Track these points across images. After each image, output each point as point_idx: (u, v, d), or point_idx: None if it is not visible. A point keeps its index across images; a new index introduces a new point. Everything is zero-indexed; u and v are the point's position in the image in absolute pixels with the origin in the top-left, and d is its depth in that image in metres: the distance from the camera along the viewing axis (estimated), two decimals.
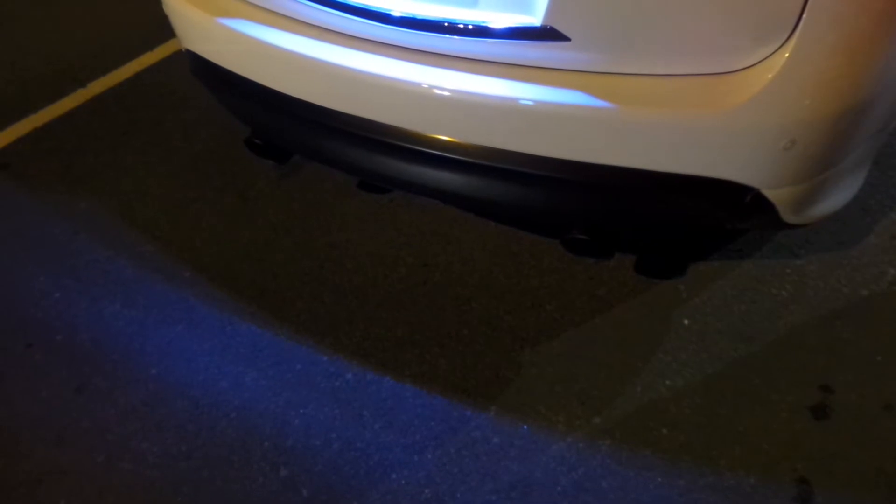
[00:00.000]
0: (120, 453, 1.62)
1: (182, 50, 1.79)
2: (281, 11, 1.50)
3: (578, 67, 1.25)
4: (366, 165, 1.57)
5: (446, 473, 1.52)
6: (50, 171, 2.42)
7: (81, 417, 1.69)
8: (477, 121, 1.34)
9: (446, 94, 1.32)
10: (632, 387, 1.63)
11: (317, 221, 2.12)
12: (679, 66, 1.19)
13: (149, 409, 1.69)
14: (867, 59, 1.12)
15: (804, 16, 1.07)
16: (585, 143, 1.28)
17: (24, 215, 2.26)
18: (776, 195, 1.29)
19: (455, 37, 1.31)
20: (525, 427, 1.58)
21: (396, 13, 1.34)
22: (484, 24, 1.27)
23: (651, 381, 1.63)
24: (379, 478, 1.52)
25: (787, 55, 1.10)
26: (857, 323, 1.69)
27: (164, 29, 1.97)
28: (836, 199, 1.45)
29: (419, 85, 1.34)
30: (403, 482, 1.51)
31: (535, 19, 1.22)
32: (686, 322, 1.74)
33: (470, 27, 1.28)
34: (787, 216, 1.36)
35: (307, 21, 1.47)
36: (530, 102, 1.26)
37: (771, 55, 1.12)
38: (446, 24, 1.30)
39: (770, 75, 1.12)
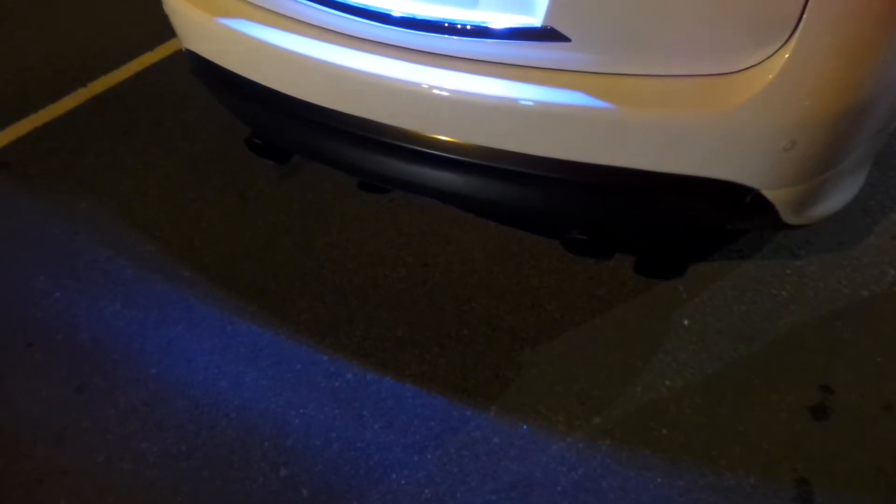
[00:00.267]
0: (120, 453, 1.62)
1: (182, 50, 1.79)
2: (281, 11, 1.50)
3: (578, 68, 1.25)
4: (366, 165, 1.57)
5: (446, 473, 1.52)
6: (50, 171, 2.42)
7: (81, 417, 1.69)
8: (477, 121, 1.34)
9: (446, 94, 1.32)
10: (632, 387, 1.63)
11: (317, 221, 2.12)
12: (679, 66, 1.19)
13: (149, 408, 1.69)
14: (867, 60, 1.12)
15: (804, 17, 1.07)
16: (585, 144, 1.28)
17: (24, 215, 2.26)
18: (776, 196, 1.30)
19: (455, 37, 1.31)
20: (525, 427, 1.58)
21: (396, 13, 1.34)
22: (484, 25, 1.27)
23: (651, 381, 1.63)
24: (379, 478, 1.52)
25: (787, 56, 1.10)
26: (858, 323, 1.69)
27: (164, 29, 1.97)
28: (836, 200, 1.45)
29: (419, 85, 1.34)
30: (403, 482, 1.51)
31: (535, 20, 1.22)
32: (686, 322, 1.74)
33: (470, 27, 1.28)
34: (788, 217, 1.36)
35: (307, 21, 1.47)
36: (530, 103, 1.26)
37: (771, 56, 1.12)
38: (446, 25, 1.30)
39: (770, 76, 1.12)
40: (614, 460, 1.51)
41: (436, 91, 1.32)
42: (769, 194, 1.29)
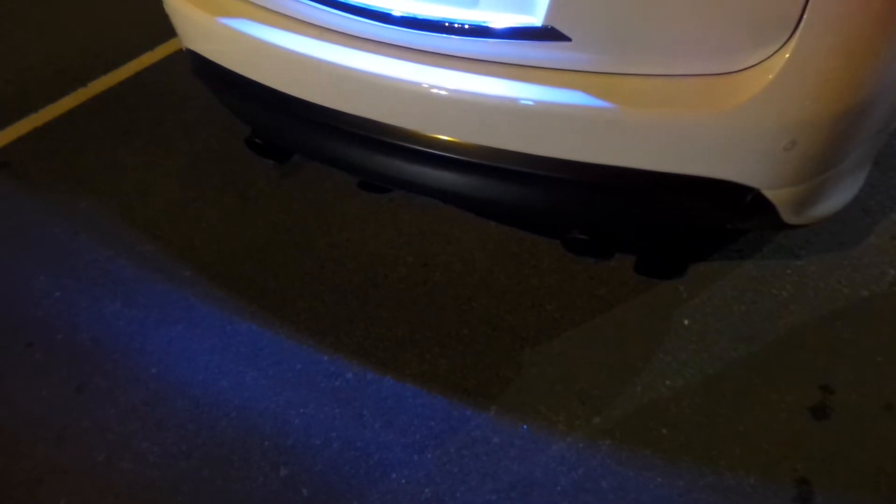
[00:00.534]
0: (120, 453, 1.62)
1: (182, 49, 1.79)
2: (282, 11, 1.50)
3: (579, 67, 1.25)
4: (366, 165, 1.57)
5: (446, 473, 1.52)
6: (50, 171, 2.42)
7: (82, 417, 1.69)
8: (477, 120, 1.34)
9: (447, 93, 1.32)
10: (632, 387, 1.63)
11: (317, 221, 2.12)
12: (679, 66, 1.19)
13: (149, 408, 1.69)
14: (867, 60, 1.12)
15: (804, 17, 1.07)
16: (586, 144, 1.28)
17: (24, 214, 2.26)
18: (776, 195, 1.30)
19: (456, 37, 1.31)
20: (525, 427, 1.58)
21: (397, 13, 1.34)
22: (485, 24, 1.27)
23: (651, 380, 1.63)
24: (379, 477, 1.52)
25: (787, 56, 1.10)
26: (858, 323, 1.69)
27: (164, 28, 1.97)
28: (836, 200, 1.45)
29: (420, 85, 1.34)
30: (403, 481, 1.51)
31: (535, 19, 1.22)
32: (686, 322, 1.74)
33: (471, 27, 1.28)
34: (788, 216, 1.36)
35: (308, 20, 1.47)
36: (531, 102, 1.26)
37: (771, 56, 1.12)
38: (447, 24, 1.30)
39: (770, 76, 1.12)
40: (614, 460, 1.51)
41: (436, 91, 1.32)
42: (769, 194, 1.29)
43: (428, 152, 1.42)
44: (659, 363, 1.66)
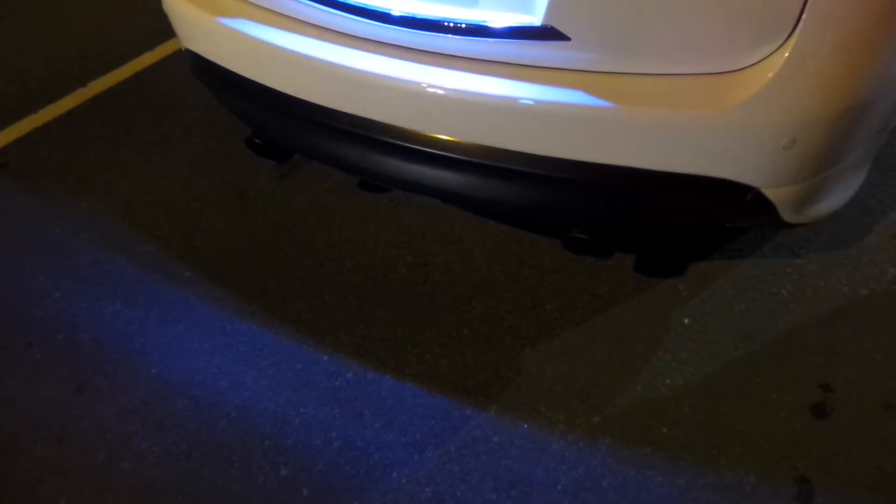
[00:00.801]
0: (120, 453, 1.62)
1: (182, 49, 1.79)
2: (281, 11, 1.50)
3: (578, 67, 1.25)
4: (366, 165, 1.57)
5: (447, 472, 1.52)
6: (50, 171, 2.42)
7: (82, 417, 1.69)
8: (477, 120, 1.34)
9: (446, 93, 1.32)
10: (632, 386, 1.63)
11: (317, 221, 2.12)
12: (679, 65, 1.19)
13: (149, 408, 1.69)
14: (867, 59, 1.12)
15: (804, 15, 1.07)
16: (585, 143, 1.28)
17: (24, 215, 2.26)
18: (776, 194, 1.30)
19: (455, 36, 1.31)
20: (525, 426, 1.58)
21: (396, 12, 1.34)
22: (484, 24, 1.27)
23: (651, 380, 1.63)
24: (379, 477, 1.52)
25: (787, 54, 1.10)
26: (857, 322, 1.69)
27: (163, 28, 1.97)
28: (836, 199, 1.45)
29: (419, 84, 1.34)
30: (404, 481, 1.51)
31: (535, 19, 1.22)
32: (686, 321, 1.74)
33: (470, 27, 1.28)
34: (788, 215, 1.36)
35: (307, 20, 1.48)
36: (530, 102, 1.26)
37: (771, 54, 1.12)
38: (446, 24, 1.30)
39: (770, 74, 1.12)
40: (615, 459, 1.51)
41: (436, 90, 1.32)
42: (769, 193, 1.29)
43: (427, 152, 1.42)
44: (659, 362, 1.66)
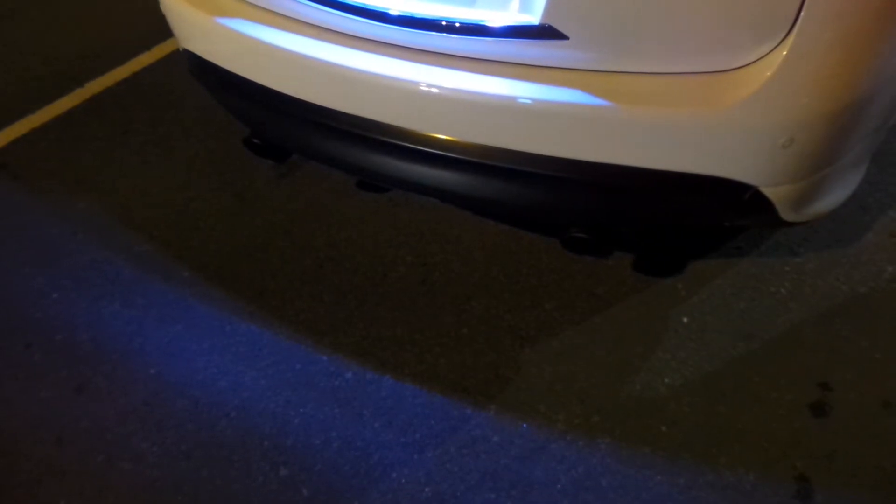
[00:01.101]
0: (120, 453, 1.62)
1: (180, 50, 1.78)
2: (279, 11, 1.50)
3: (577, 66, 1.25)
4: (364, 164, 1.57)
5: (446, 472, 1.52)
6: (48, 172, 2.41)
7: (81, 417, 1.69)
8: (475, 119, 1.34)
9: (445, 92, 1.32)
10: (631, 385, 1.63)
11: (315, 221, 2.11)
12: (677, 64, 1.19)
13: (148, 408, 1.69)
14: (865, 57, 1.12)
15: (802, 13, 1.07)
16: (584, 142, 1.28)
17: (22, 215, 2.25)
18: (775, 193, 1.30)
19: (453, 35, 1.31)
20: (525, 426, 1.58)
21: (394, 12, 1.34)
22: (482, 23, 1.27)
23: (650, 379, 1.63)
24: (379, 476, 1.52)
25: (784, 53, 1.10)
26: (856, 320, 1.69)
27: (161, 29, 1.96)
28: (834, 197, 1.45)
29: (417, 84, 1.34)
30: (403, 481, 1.51)
31: (533, 18, 1.22)
32: (685, 320, 1.74)
33: (468, 26, 1.28)
34: (786, 214, 1.36)
35: (305, 20, 1.47)
36: (529, 101, 1.26)
37: (769, 53, 1.12)
38: (444, 23, 1.30)
39: (768, 73, 1.12)
40: (614, 458, 1.51)
41: (434, 89, 1.32)
42: (768, 191, 1.29)
43: (426, 151, 1.42)
44: (658, 361, 1.67)
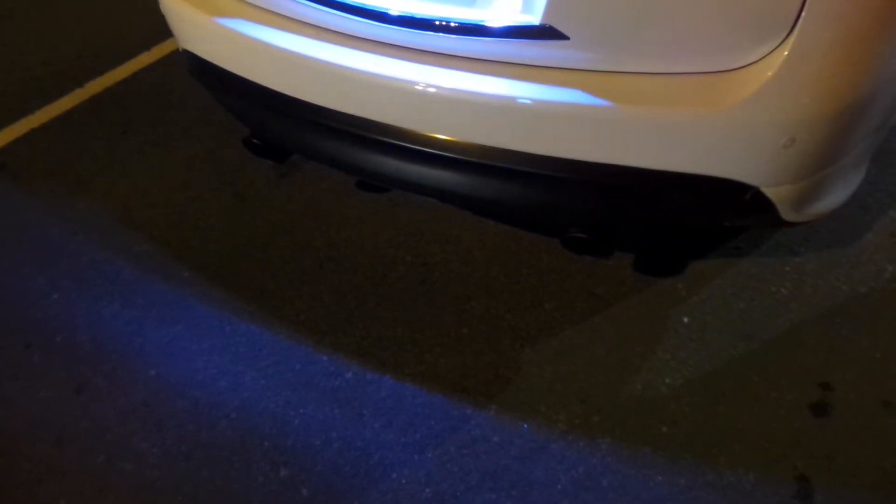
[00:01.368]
0: (120, 453, 1.61)
1: (179, 50, 1.78)
2: (278, 11, 1.50)
3: (577, 66, 1.24)
4: (364, 164, 1.57)
5: (447, 472, 1.52)
6: (48, 172, 2.41)
7: (81, 418, 1.69)
8: (475, 120, 1.34)
9: (445, 92, 1.32)
10: (631, 385, 1.63)
11: (315, 221, 2.11)
12: (678, 64, 1.18)
13: (148, 408, 1.69)
14: (866, 57, 1.12)
15: (803, 14, 1.07)
16: (584, 142, 1.28)
17: (21, 216, 2.25)
18: (776, 193, 1.30)
19: (453, 36, 1.31)
20: (525, 426, 1.58)
21: (394, 12, 1.33)
22: (482, 23, 1.27)
23: (651, 379, 1.63)
24: (379, 477, 1.52)
25: (786, 53, 1.10)
26: (856, 320, 1.69)
27: (161, 29, 1.96)
28: (835, 197, 1.45)
29: (417, 84, 1.33)
30: (404, 481, 1.51)
31: (533, 18, 1.22)
32: (685, 320, 1.74)
33: (468, 26, 1.28)
34: (787, 214, 1.36)
35: (305, 20, 1.47)
36: (529, 101, 1.26)
37: (770, 53, 1.12)
38: (444, 23, 1.30)
39: (769, 73, 1.12)
40: (614, 458, 1.51)
41: (434, 90, 1.32)
42: (768, 192, 1.29)
43: (426, 151, 1.42)
44: (658, 361, 1.66)
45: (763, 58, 1.13)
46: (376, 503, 1.48)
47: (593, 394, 1.62)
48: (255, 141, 1.84)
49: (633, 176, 1.28)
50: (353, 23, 1.40)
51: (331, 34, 1.44)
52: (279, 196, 2.21)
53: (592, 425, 1.57)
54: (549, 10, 1.19)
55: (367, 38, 1.41)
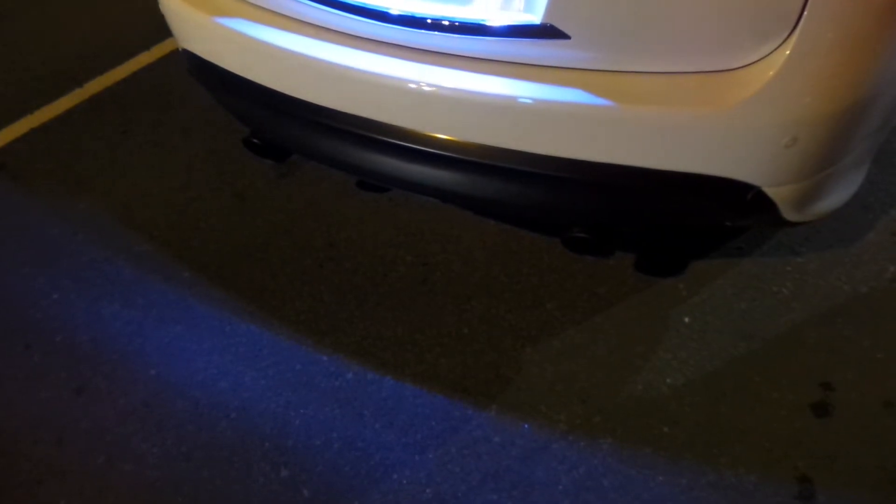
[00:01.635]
0: (120, 454, 1.61)
1: (179, 49, 1.78)
2: (278, 10, 1.50)
3: (578, 65, 1.24)
4: (364, 164, 1.56)
5: (447, 473, 1.51)
6: (48, 172, 2.41)
7: (81, 418, 1.69)
8: (476, 119, 1.34)
9: (445, 92, 1.31)
10: (632, 385, 1.63)
11: (315, 221, 2.11)
12: (680, 63, 1.18)
13: (148, 409, 1.69)
14: (868, 57, 1.12)
15: (805, 13, 1.07)
16: (585, 142, 1.28)
17: (21, 216, 2.25)
18: (777, 193, 1.29)
19: (454, 35, 1.30)
20: (526, 426, 1.58)
21: (395, 11, 1.33)
22: (483, 23, 1.27)
23: (652, 379, 1.63)
24: (380, 477, 1.52)
25: (788, 52, 1.10)
26: (858, 320, 1.69)
27: (160, 28, 1.96)
28: (836, 197, 1.45)
29: (418, 83, 1.33)
30: (405, 482, 1.51)
31: (534, 17, 1.21)
32: (686, 320, 1.74)
33: (469, 25, 1.28)
34: (789, 214, 1.35)
35: (305, 20, 1.47)
36: (530, 101, 1.26)
37: (772, 52, 1.12)
38: (445, 23, 1.30)
39: (771, 73, 1.12)
40: (615, 459, 1.51)
41: (435, 89, 1.32)
42: (770, 191, 1.28)
43: (426, 151, 1.41)
44: (659, 361, 1.66)
45: (765, 57, 1.12)
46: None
47: (594, 394, 1.62)
48: (255, 141, 1.84)
49: (634, 176, 1.27)
50: (354, 22, 1.39)
51: (331, 33, 1.44)
52: (279, 196, 2.21)
53: (594, 425, 1.56)
54: (550, 10, 1.19)
55: (367, 37, 1.40)
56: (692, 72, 1.18)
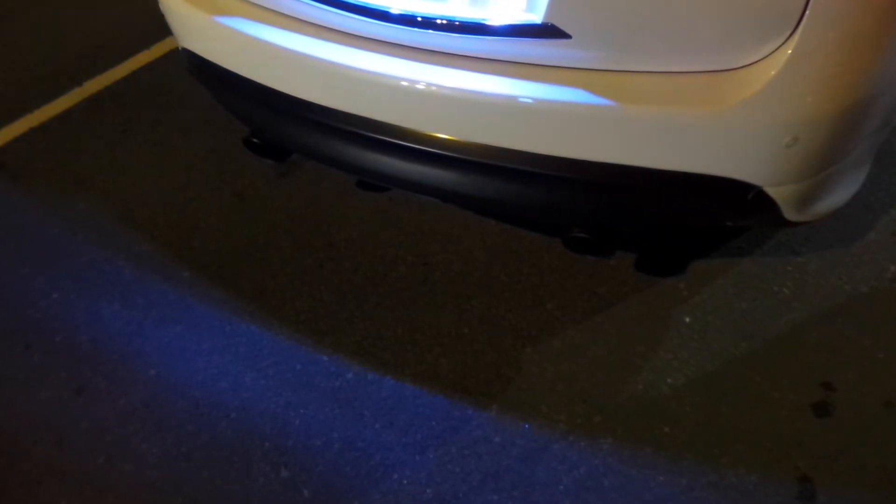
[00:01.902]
0: (120, 454, 1.61)
1: (179, 48, 1.78)
2: (278, 9, 1.50)
3: (580, 65, 1.24)
4: (364, 164, 1.56)
5: (448, 473, 1.51)
6: (47, 171, 2.41)
7: (81, 418, 1.69)
8: (477, 119, 1.33)
9: (446, 91, 1.31)
10: (633, 385, 1.62)
11: (315, 220, 2.11)
12: (681, 63, 1.18)
13: (148, 409, 1.69)
14: (870, 56, 1.12)
15: (807, 12, 1.06)
16: (586, 141, 1.27)
17: (21, 215, 2.25)
18: (778, 193, 1.29)
19: (455, 34, 1.30)
20: (526, 426, 1.58)
21: (395, 10, 1.33)
22: (484, 22, 1.26)
23: (652, 379, 1.63)
24: (380, 478, 1.52)
25: (789, 52, 1.10)
26: (858, 320, 1.69)
27: (160, 27, 1.96)
28: (838, 196, 1.45)
29: (418, 83, 1.33)
30: (405, 482, 1.50)
31: (535, 16, 1.21)
32: (687, 320, 1.74)
33: (470, 25, 1.28)
34: (790, 213, 1.35)
35: (305, 19, 1.47)
36: (531, 100, 1.25)
37: (773, 52, 1.11)
38: (446, 22, 1.30)
39: (773, 72, 1.12)
40: (616, 459, 1.50)
41: (435, 89, 1.32)
42: (771, 191, 1.28)
43: (427, 151, 1.41)
44: (660, 361, 1.66)
45: (766, 56, 1.12)
46: None
47: (595, 394, 1.62)
48: (255, 140, 1.83)
49: (635, 175, 1.27)
50: (354, 21, 1.39)
51: (331, 33, 1.44)
52: (279, 196, 2.20)
53: (594, 425, 1.56)
54: (551, 9, 1.18)
55: (368, 36, 1.40)
56: (693, 71, 1.18)
